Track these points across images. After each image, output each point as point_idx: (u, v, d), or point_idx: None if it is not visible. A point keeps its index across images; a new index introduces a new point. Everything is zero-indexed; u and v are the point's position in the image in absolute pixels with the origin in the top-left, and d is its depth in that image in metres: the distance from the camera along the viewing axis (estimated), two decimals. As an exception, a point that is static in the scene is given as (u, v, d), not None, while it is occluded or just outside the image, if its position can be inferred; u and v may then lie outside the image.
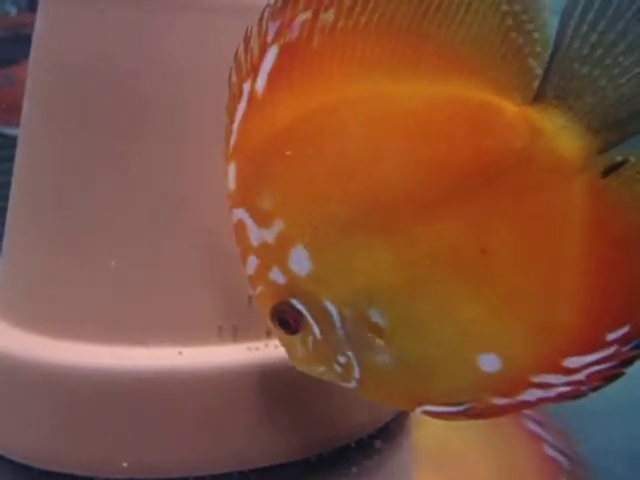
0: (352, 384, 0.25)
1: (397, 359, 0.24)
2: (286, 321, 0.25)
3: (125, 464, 0.29)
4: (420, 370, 0.24)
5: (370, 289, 0.23)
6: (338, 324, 0.24)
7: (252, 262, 0.25)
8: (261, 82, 0.24)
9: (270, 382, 0.30)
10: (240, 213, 0.25)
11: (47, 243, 0.32)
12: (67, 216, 0.31)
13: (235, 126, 0.24)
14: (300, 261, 0.24)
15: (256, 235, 0.25)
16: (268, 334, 0.31)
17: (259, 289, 0.25)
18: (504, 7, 0.23)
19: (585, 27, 0.22)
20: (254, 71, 0.24)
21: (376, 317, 0.23)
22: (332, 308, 0.24)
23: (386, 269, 0.23)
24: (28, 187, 0.33)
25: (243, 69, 0.24)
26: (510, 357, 0.23)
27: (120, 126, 0.31)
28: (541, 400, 0.23)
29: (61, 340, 0.30)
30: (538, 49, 0.23)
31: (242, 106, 0.24)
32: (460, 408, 0.24)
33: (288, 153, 0.24)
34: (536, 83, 0.23)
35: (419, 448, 0.34)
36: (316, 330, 0.25)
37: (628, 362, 0.22)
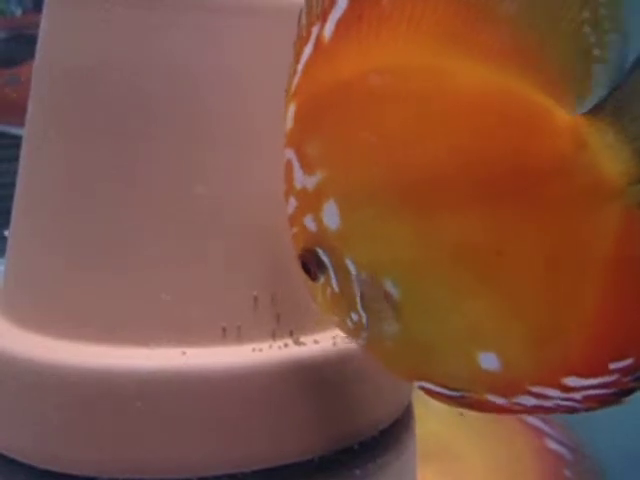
0: (360, 342, 0.26)
1: (404, 332, 0.24)
2: (309, 268, 0.26)
3: (128, 464, 0.29)
4: (423, 349, 0.24)
5: (388, 260, 0.24)
6: (355, 283, 0.24)
7: (292, 203, 0.26)
8: (329, 29, 0.24)
9: (274, 383, 0.30)
10: (290, 154, 0.25)
11: (50, 243, 0.32)
12: (70, 217, 0.31)
13: (300, 67, 0.25)
14: (331, 215, 0.24)
15: (299, 179, 0.25)
16: (273, 335, 0.31)
17: (294, 230, 0.26)
18: None
19: None
20: (324, 16, 0.24)
21: (390, 287, 0.24)
22: (352, 267, 0.24)
23: (406, 245, 0.23)
24: (32, 187, 0.33)
25: (313, 12, 0.24)
26: (510, 361, 0.23)
27: (126, 127, 0.31)
28: (535, 408, 0.23)
29: (64, 340, 0.30)
30: (608, 55, 0.21)
31: (308, 49, 0.24)
32: (456, 394, 0.24)
33: (341, 108, 0.24)
34: (595, 92, 0.21)
35: (419, 445, 0.34)
36: (334, 283, 0.25)
37: (627, 392, 0.22)
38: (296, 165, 0.25)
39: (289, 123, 0.25)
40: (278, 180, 0.32)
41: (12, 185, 0.35)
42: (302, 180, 0.25)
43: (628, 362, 0.22)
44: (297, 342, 0.31)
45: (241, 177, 0.31)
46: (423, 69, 0.22)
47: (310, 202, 0.25)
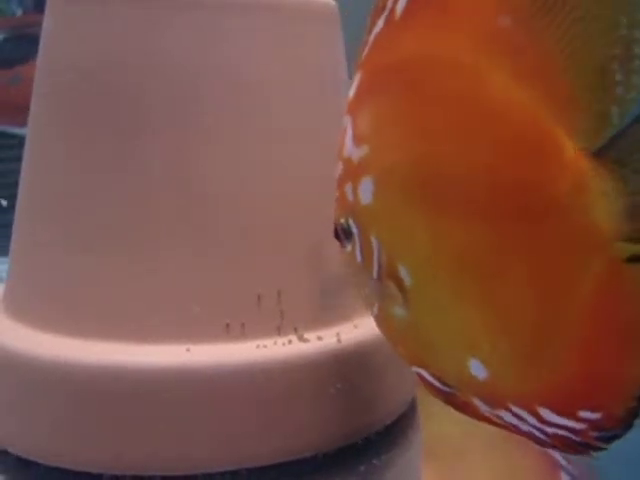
0: (372, 314, 0.27)
1: (409, 318, 0.25)
2: (340, 234, 0.26)
3: (130, 461, 0.29)
4: (424, 339, 0.25)
5: (405, 249, 0.24)
6: (376, 260, 0.25)
7: (339, 168, 0.26)
8: (401, 6, 0.24)
9: (278, 380, 0.30)
10: (347, 121, 0.26)
11: (53, 241, 0.32)
12: (73, 214, 0.31)
13: (370, 38, 0.25)
14: (366, 191, 0.25)
15: (348, 147, 0.25)
16: (278, 331, 0.31)
17: (337, 193, 0.26)
18: (622, 30, 0.20)
19: None
20: None
21: (404, 274, 0.24)
22: (375, 245, 0.25)
23: (422, 240, 0.23)
24: (35, 186, 0.33)
25: None
26: (495, 374, 0.23)
27: (128, 125, 0.31)
28: (512, 426, 0.24)
29: (67, 337, 0.30)
30: (629, 97, 0.20)
31: (380, 22, 0.24)
32: (447, 389, 0.25)
33: (392, 88, 0.24)
34: (606, 134, 0.21)
35: (430, 445, 0.34)
36: (358, 255, 0.26)
37: (593, 448, 0.22)
38: (349, 133, 0.25)
39: (352, 91, 0.26)
40: (280, 176, 0.32)
41: (15, 185, 0.35)
42: (350, 149, 0.25)
43: (596, 416, 0.22)
44: (301, 339, 0.31)
45: (243, 174, 0.31)
46: (467, 67, 0.22)
47: (352, 172, 0.25)
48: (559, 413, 0.22)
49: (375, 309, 0.26)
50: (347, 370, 0.31)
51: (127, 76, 0.31)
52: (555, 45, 0.21)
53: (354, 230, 0.26)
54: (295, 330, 0.31)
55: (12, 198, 0.35)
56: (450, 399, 0.25)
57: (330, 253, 0.33)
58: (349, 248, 0.26)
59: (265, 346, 0.30)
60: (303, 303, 0.32)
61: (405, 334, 0.25)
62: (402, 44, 0.24)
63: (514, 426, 0.23)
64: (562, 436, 0.22)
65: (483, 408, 0.24)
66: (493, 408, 0.24)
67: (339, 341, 0.31)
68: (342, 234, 0.26)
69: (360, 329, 0.33)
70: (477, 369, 0.23)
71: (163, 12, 0.31)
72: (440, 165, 0.22)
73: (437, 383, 0.25)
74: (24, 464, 0.30)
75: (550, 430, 0.23)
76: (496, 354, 0.23)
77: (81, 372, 0.29)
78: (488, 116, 0.22)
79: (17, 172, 0.35)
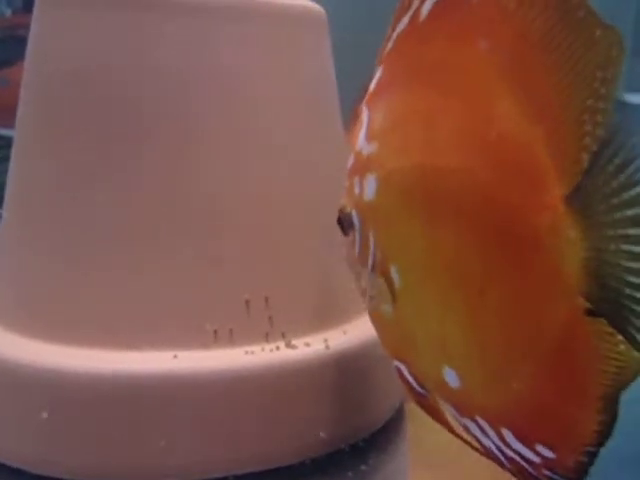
0: (365, 304, 0.27)
1: (395, 317, 0.25)
2: (343, 223, 0.27)
3: (119, 468, 0.28)
4: (407, 338, 0.25)
5: (399, 250, 0.24)
6: (371, 255, 0.26)
7: (351, 159, 0.26)
8: (426, 8, 0.24)
9: (266, 386, 0.30)
10: (365, 114, 0.26)
11: (41, 247, 0.31)
12: (61, 220, 0.31)
13: (394, 35, 0.25)
14: (370, 187, 0.25)
15: (361, 141, 0.26)
16: (266, 338, 0.31)
17: (347, 183, 0.27)
18: (596, 84, 0.20)
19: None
20: None
21: (394, 274, 0.25)
22: (372, 240, 0.25)
23: (415, 247, 0.24)
24: (22, 190, 0.33)
25: None
26: (466, 385, 0.23)
27: (116, 129, 0.31)
28: (476, 439, 0.24)
29: (54, 344, 0.30)
30: (594, 148, 0.20)
31: (405, 20, 0.24)
32: (420, 390, 0.25)
33: (406, 92, 0.24)
34: (576, 180, 0.21)
35: (420, 447, 0.34)
36: (357, 246, 0.26)
37: None
38: (364, 127, 0.25)
39: (373, 85, 0.26)
40: (271, 182, 0.32)
41: (2, 187, 0.34)
42: (362, 143, 0.25)
43: (551, 455, 0.22)
44: (289, 345, 0.31)
45: (234, 179, 0.31)
46: (481, 84, 0.22)
47: (361, 166, 0.25)
48: (519, 439, 0.22)
49: (367, 300, 0.27)
50: (335, 376, 0.31)
51: (114, 81, 0.31)
52: (557, 85, 0.21)
53: (356, 222, 0.26)
54: (283, 336, 0.31)
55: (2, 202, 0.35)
56: (422, 401, 0.26)
57: (318, 260, 0.33)
58: (351, 237, 0.27)
59: (253, 352, 0.30)
60: (291, 309, 0.32)
61: (391, 330, 0.26)
62: (424, 46, 0.24)
63: (477, 439, 0.24)
64: (518, 463, 0.23)
65: (452, 414, 0.24)
66: (461, 416, 0.24)
67: (327, 347, 0.31)
68: (345, 223, 0.27)
69: (348, 335, 0.33)
70: (451, 377, 0.24)
71: (151, 17, 0.31)
72: (440, 177, 0.22)
73: (414, 382, 0.26)
74: (10, 472, 0.30)
75: (509, 453, 0.23)
76: (469, 365, 0.23)
77: (68, 379, 0.28)
78: (492, 137, 0.22)
79: (4, 174, 0.34)
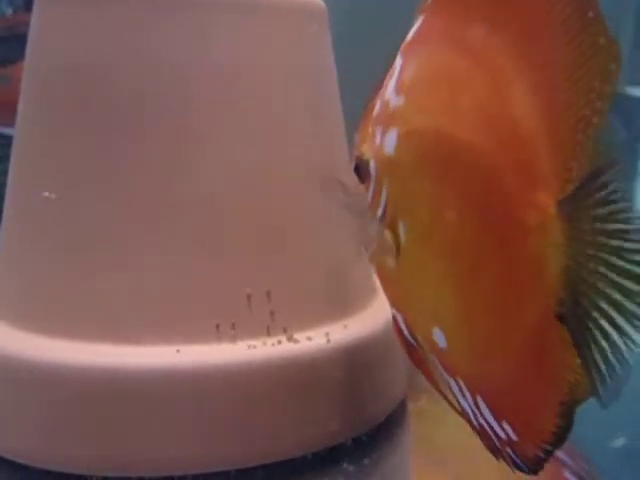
0: (368, 253, 0.28)
1: (396, 270, 0.26)
2: (360, 170, 0.27)
3: (121, 462, 0.29)
4: (406, 292, 0.26)
5: (408, 208, 0.25)
6: (382, 207, 0.26)
7: (377, 107, 0.27)
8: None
9: (268, 381, 0.30)
10: (398, 62, 0.26)
11: (42, 242, 0.32)
12: (62, 215, 0.31)
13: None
14: (390, 141, 0.25)
15: (390, 92, 0.25)
16: (267, 332, 0.31)
17: (370, 130, 0.27)
18: (592, 96, 0.21)
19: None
20: None
21: (401, 231, 0.25)
22: (384, 194, 0.26)
23: (424, 211, 0.24)
24: (23, 187, 0.33)
25: None
26: (452, 348, 0.24)
27: (118, 125, 0.31)
28: (455, 398, 0.25)
29: (57, 339, 0.30)
30: (583, 160, 0.21)
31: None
32: (412, 341, 0.26)
33: (435, 51, 0.24)
34: (568, 189, 0.21)
35: (436, 451, 0.34)
36: (370, 194, 0.27)
37: (504, 460, 0.23)
38: (395, 77, 0.25)
39: (411, 33, 0.26)
40: (271, 176, 0.32)
41: (3, 185, 0.35)
42: (390, 93, 0.25)
43: (514, 437, 0.22)
44: (291, 339, 0.31)
45: (235, 174, 0.31)
46: (504, 61, 0.22)
47: (385, 118, 0.26)
48: (491, 410, 0.23)
49: (371, 249, 0.27)
50: (336, 370, 0.31)
51: (114, 76, 0.31)
52: (565, 82, 0.21)
53: (372, 172, 0.26)
54: (285, 330, 0.31)
55: (0, 199, 0.35)
56: (412, 352, 0.27)
57: (320, 254, 0.33)
58: (364, 185, 0.27)
59: (255, 347, 0.30)
60: (293, 304, 0.32)
61: (391, 281, 0.27)
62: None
63: (456, 398, 0.25)
64: (487, 432, 0.23)
65: (437, 369, 0.25)
66: (450, 375, 0.25)
67: (328, 341, 0.31)
68: (363, 171, 0.27)
69: (350, 329, 0.33)
70: (439, 337, 0.24)
71: (151, 12, 0.31)
72: (454, 147, 0.23)
73: (406, 332, 0.26)
74: (14, 467, 0.30)
75: (481, 420, 0.24)
76: (456, 332, 0.24)
77: (71, 374, 0.28)
78: (507, 122, 0.22)
79: (5, 172, 0.34)
